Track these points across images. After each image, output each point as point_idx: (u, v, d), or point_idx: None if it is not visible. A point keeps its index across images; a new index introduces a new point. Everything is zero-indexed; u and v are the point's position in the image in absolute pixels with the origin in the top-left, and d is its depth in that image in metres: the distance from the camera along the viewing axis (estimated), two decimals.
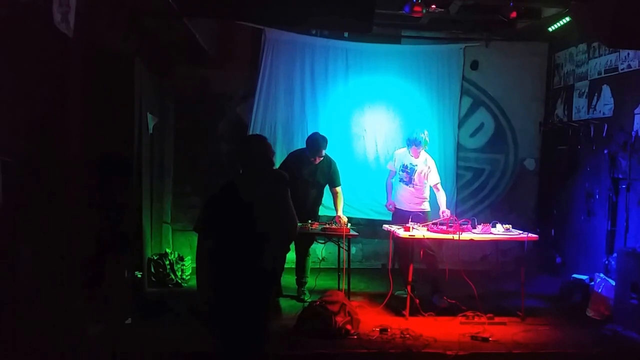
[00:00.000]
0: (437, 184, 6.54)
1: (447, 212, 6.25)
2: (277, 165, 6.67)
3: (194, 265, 7.42)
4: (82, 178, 4.68)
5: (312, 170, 6.36)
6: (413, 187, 6.51)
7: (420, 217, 6.25)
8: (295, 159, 6.42)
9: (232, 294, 3.55)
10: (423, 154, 6.51)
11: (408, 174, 6.51)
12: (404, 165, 6.54)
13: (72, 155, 4.43)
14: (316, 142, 6.25)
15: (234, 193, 3.62)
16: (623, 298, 5.76)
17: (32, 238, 3.83)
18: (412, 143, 6.42)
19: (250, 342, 3.67)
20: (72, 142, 4.46)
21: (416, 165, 6.48)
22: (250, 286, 3.59)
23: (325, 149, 6.29)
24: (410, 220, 6.03)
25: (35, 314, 3.81)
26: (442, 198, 6.52)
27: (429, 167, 6.49)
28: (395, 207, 6.65)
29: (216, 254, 3.52)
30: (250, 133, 7.80)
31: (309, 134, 6.58)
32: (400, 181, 6.59)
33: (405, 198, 6.57)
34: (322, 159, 6.31)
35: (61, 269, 4.21)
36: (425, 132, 6.44)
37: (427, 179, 6.49)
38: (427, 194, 6.61)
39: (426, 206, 6.62)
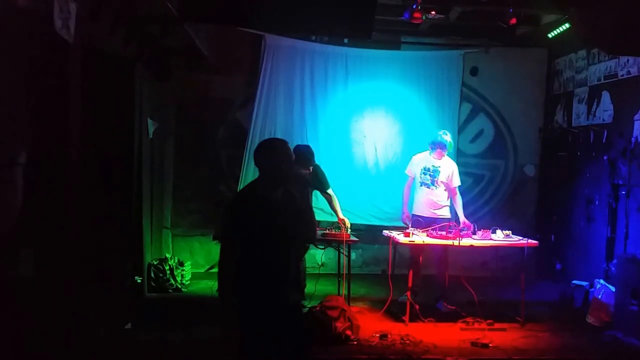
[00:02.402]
0: (457, 187, 6.51)
1: (467, 222, 6.24)
2: None
3: (194, 270, 7.52)
4: (83, 182, 4.68)
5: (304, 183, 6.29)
6: (436, 188, 6.44)
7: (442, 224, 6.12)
8: None
9: (263, 304, 3.34)
10: (445, 157, 6.50)
11: (431, 176, 6.44)
12: (426, 168, 6.46)
13: (73, 160, 4.44)
14: (305, 153, 5.98)
15: (256, 199, 3.41)
16: (623, 304, 5.75)
17: (33, 241, 3.84)
18: (437, 146, 6.39)
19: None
20: (73, 147, 4.47)
21: (439, 166, 6.44)
22: (281, 294, 3.40)
23: (313, 158, 6.10)
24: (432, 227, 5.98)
25: (35, 316, 3.82)
26: (459, 205, 6.49)
27: (452, 170, 6.47)
28: (413, 215, 6.54)
29: (243, 262, 3.33)
30: (251, 138, 7.82)
31: (308, 140, 6.52)
32: (421, 185, 6.50)
33: (427, 203, 6.46)
34: (310, 169, 6.20)
35: (61, 272, 4.21)
36: (448, 134, 6.47)
37: (450, 181, 6.44)
38: (447, 199, 6.56)
39: (446, 212, 6.53)
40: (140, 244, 6.43)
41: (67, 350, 4.15)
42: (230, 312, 3.26)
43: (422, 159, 6.56)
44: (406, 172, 6.74)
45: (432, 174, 6.46)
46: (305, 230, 3.56)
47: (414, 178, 6.60)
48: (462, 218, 6.35)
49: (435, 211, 6.45)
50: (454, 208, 6.54)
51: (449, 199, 6.53)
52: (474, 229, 6.10)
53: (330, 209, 6.57)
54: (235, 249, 3.32)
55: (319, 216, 6.79)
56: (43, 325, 3.90)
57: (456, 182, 6.50)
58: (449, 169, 6.46)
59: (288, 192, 3.47)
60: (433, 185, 6.45)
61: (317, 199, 6.71)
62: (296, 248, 3.50)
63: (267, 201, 3.36)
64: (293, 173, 3.53)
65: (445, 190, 6.48)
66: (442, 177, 6.43)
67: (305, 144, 6.42)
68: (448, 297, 6.39)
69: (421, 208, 6.51)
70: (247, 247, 3.31)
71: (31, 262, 3.84)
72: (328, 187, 6.43)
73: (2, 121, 3.58)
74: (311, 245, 6.55)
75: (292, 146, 7.22)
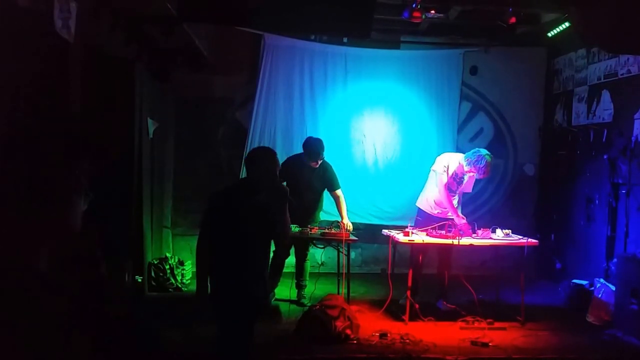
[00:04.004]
0: (468, 192, 6.47)
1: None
2: None
3: (194, 269, 7.51)
4: (83, 182, 4.69)
5: (308, 175, 6.35)
6: (456, 195, 6.35)
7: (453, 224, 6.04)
8: (292, 164, 6.41)
9: (228, 284, 3.82)
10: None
11: (457, 183, 6.26)
12: (455, 174, 6.23)
13: (73, 160, 4.45)
14: (314, 146, 6.24)
15: (234, 197, 3.86)
16: (623, 303, 5.75)
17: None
18: (475, 168, 6.04)
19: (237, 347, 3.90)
20: (73, 146, 4.48)
21: (465, 176, 6.24)
22: (243, 281, 3.81)
23: (323, 151, 6.27)
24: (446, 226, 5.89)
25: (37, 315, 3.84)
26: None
27: (473, 179, 6.33)
28: (424, 212, 6.38)
29: (215, 250, 3.79)
30: (250, 138, 7.85)
31: (302, 144, 6.52)
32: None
33: (440, 203, 6.27)
34: (320, 162, 6.29)
35: (62, 272, 4.23)
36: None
37: (467, 188, 6.36)
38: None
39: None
40: (140, 244, 6.44)
41: (67, 349, 4.15)
42: (201, 285, 3.83)
43: (454, 164, 6.22)
44: (442, 170, 6.19)
45: (458, 181, 6.25)
46: (276, 238, 4.01)
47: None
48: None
49: (447, 211, 6.29)
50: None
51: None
52: (474, 228, 6.09)
53: (335, 211, 6.57)
54: (207, 237, 3.80)
55: (320, 216, 6.82)
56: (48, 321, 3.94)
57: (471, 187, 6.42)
58: (470, 178, 6.30)
59: (263, 199, 3.82)
60: (454, 192, 6.30)
61: (324, 200, 6.72)
62: (259, 248, 3.88)
63: (241, 202, 3.79)
64: (274, 183, 3.89)
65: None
66: (462, 186, 6.31)
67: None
68: (448, 296, 6.40)
69: (435, 206, 6.33)
70: (218, 237, 3.76)
71: (46, 258, 3.91)
72: (337, 188, 6.44)
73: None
74: (311, 245, 6.59)
75: (293, 146, 7.23)
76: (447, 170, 6.16)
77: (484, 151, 6.10)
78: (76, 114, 4.56)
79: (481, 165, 5.99)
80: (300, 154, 6.46)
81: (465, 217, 6.17)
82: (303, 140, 6.50)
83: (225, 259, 3.79)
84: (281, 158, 7.16)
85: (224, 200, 3.86)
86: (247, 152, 7.70)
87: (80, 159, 4.51)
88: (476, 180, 6.39)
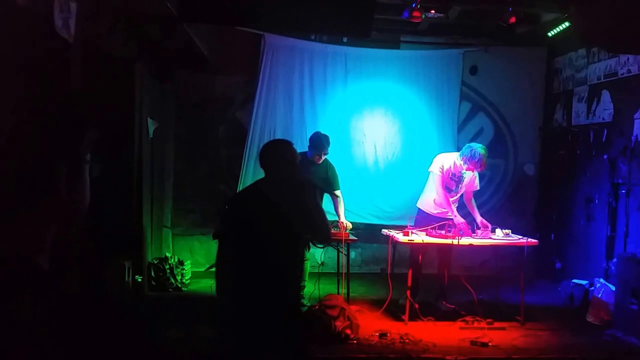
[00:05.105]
0: (476, 189, 6.43)
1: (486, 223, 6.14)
2: None
3: (194, 269, 7.53)
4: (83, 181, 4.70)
5: (310, 173, 6.35)
6: (456, 194, 6.34)
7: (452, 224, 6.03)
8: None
9: (262, 304, 3.31)
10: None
11: (455, 183, 6.26)
12: (452, 174, 6.23)
13: (73, 159, 4.45)
14: (319, 139, 6.23)
15: (257, 199, 3.41)
16: (623, 303, 5.76)
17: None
18: (472, 164, 6.05)
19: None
20: (73, 146, 4.48)
21: (464, 173, 6.25)
22: (281, 294, 3.37)
23: (328, 146, 6.25)
24: (445, 226, 5.89)
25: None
26: (475, 206, 6.41)
27: (474, 175, 6.32)
28: (424, 212, 6.36)
29: (240, 263, 3.31)
30: (250, 138, 7.85)
31: (309, 137, 6.56)
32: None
33: (440, 204, 6.26)
34: (323, 157, 6.28)
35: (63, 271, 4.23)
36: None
37: (472, 186, 6.34)
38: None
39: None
40: (140, 243, 6.45)
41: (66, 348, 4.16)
42: (226, 312, 3.29)
43: (450, 163, 6.21)
44: (438, 171, 6.21)
45: (456, 180, 6.24)
46: (312, 231, 3.51)
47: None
48: (479, 218, 6.29)
49: (446, 211, 6.30)
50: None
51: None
52: (474, 227, 6.09)
53: (333, 210, 6.58)
54: (232, 248, 3.30)
55: None
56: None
57: (476, 185, 6.38)
58: (471, 176, 6.30)
59: (291, 194, 3.41)
60: (453, 192, 6.29)
61: (323, 200, 6.71)
62: (299, 249, 3.48)
63: (268, 201, 3.34)
64: (298, 175, 3.52)
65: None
66: (462, 186, 6.29)
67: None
68: (447, 296, 6.39)
69: (433, 206, 6.33)
70: (246, 246, 3.29)
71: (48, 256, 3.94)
72: (337, 188, 6.45)
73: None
74: (310, 244, 6.58)
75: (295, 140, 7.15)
76: (443, 170, 6.17)
77: (477, 145, 6.12)
78: (76, 113, 4.57)
79: (477, 159, 5.99)
80: (302, 152, 6.46)
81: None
82: (303, 140, 6.53)
83: (258, 272, 3.29)
84: None
85: (243, 205, 3.42)
86: (254, 146, 7.75)
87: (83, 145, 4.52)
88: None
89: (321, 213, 3.52)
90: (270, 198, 3.35)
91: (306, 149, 6.44)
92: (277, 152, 3.48)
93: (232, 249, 3.30)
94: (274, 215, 3.31)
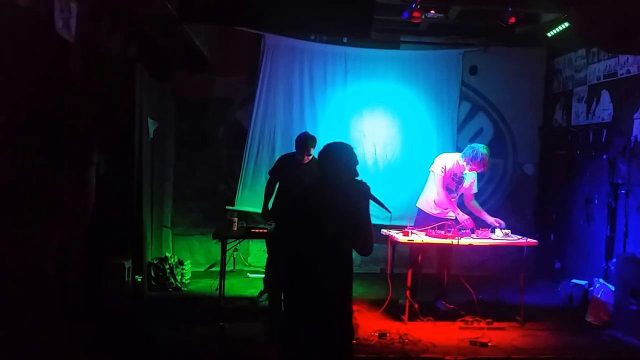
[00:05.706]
0: (474, 192, 6.42)
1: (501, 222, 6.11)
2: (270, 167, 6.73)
3: (194, 269, 7.53)
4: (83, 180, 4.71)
5: (301, 172, 6.34)
6: (456, 195, 6.33)
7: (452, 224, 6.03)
8: (285, 161, 6.42)
9: (310, 309, 3.29)
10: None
11: (456, 183, 6.25)
12: (454, 174, 6.23)
13: (73, 159, 4.46)
14: (304, 140, 6.20)
15: (314, 202, 3.37)
16: (622, 303, 5.76)
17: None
18: (474, 164, 6.06)
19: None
20: (74, 146, 4.49)
21: (465, 174, 6.25)
22: (329, 303, 3.31)
23: (313, 147, 6.18)
24: (445, 226, 5.89)
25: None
26: (479, 207, 6.40)
27: (473, 178, 6.31)
28: (424, 212, 6.35)
29: (295, 264, 3.31)
30: (250, 138, 7.86)
31: (295, 138, 6.53)
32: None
33: (440, 203, 6.28)
34: (310, 157, 6.25)
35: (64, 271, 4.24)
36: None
37: (471, 189, 6.34)
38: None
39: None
40: (140, 243, 6.45)
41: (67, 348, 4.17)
42: (276, 309, 3.32)
43: (451, 163, 6.21)
44: (440, 171, 6.19)
45: (457, 181, 6.24)
46: (360, 239, 3.41)
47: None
48: (490, 218, 6.25)
49: (447, 211, 6.30)
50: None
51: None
52: (473, 227, 6.09)
53: None
54: (284, 250, 3.33)
55: None
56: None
57: (475, 188, 6.37)
58: (471, 179, 6.31)
59: (349, 198, 3.36)
60: (454, 192, 6.28)
61: None
62: (348, 252, 3.40)
63: (325, 205, 3.31)
64: (354, 180, 3.47)
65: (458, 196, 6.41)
66: (461, 187, 6.29)
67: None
68: (447, 296, 6.40)
69: (434, 207, 6.32)
70: (299, 246, 3.30)
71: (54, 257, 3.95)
72: None
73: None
74: None
75: (292, 146, 7.20)
76: (445, 170, 6.17)
77: (479, 145, 6.13)
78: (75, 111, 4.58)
79: (479, 159, 6.00)
80: (291, 152, 6.47)
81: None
82: None
83: (309, 272, 3.25)
84: None
85: (301, 209, 3.36)
86: (254, 146, 7.74)
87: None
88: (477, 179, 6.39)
89: (370, 224, 3.45)
90: (330, 201, 3.31)
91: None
92: (336, 154, 3.44)
93: (286, 251, 3.33)
94: (330, 221, 3.27)
